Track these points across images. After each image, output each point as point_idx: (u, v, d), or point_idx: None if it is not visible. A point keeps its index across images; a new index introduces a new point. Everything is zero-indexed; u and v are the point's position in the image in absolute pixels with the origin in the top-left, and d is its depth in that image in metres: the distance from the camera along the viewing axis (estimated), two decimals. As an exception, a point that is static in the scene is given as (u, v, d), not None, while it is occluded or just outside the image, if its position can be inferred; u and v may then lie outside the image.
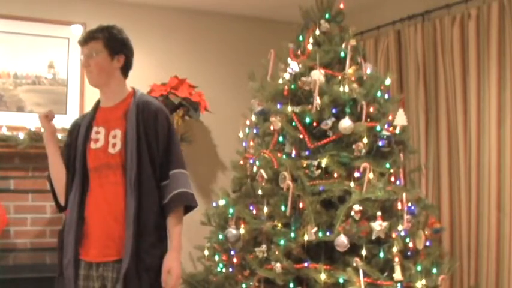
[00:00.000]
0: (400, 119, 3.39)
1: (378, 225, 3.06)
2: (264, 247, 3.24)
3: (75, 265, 2.61)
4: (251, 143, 3.67)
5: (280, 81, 3.51)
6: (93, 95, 3.16)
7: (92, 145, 2.69)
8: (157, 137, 2.67)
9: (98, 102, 2.81)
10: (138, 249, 2.56)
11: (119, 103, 2.73)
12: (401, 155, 3.44)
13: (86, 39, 2.69)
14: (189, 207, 2.73)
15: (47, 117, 2.80)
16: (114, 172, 2.63)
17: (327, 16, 3.60)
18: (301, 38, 3.64)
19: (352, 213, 3.09)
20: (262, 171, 3.34)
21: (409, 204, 3.27)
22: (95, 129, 2.71)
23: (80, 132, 2.73)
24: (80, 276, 2.62)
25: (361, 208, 3.08)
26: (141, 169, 2.61)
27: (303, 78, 3.37)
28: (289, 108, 3.38)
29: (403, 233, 3.14)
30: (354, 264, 3.05)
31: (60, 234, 2.74)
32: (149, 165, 2.63)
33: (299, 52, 3.59)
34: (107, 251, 2.60)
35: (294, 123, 3.37)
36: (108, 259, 2.60)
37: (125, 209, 2.58)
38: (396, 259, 3.08)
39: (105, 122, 2.71)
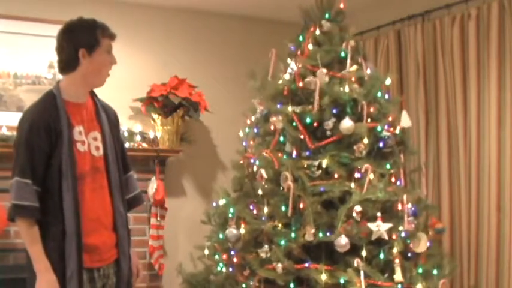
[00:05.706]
0: (405, 120, 3.39)
1: (375, 226, 3.06)
2: (266, 247, 3.24)
3: (79, 274, 2.49)
4: (251, 143, 3.67)
5: (281, 81, 3.51)
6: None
7: (80, 148, 2.54)
8: (120, 139, 2.79)
9: (55, 95, 2.56)
10: (129, 249, 2.73)
11: (86, 101, 2.64)
12: (402, 155, 3.44)
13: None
14: None
15: None
16: (101, 175, 2.61)
17: (327, 16, 3.60)
18: (301, 38, 3.64)
19: (354, 214, 3.09)
20: (262, 171, 3.34)
21: (410, 205, 3.27)
22: (77, 129, 2.55)
23: (64, 133, 2.50)
24: (84, 282, 2.52)
25: (361, 209, 3.08)
26: (120, 171, 2.69)
27: (307, 79, 3.37)
28: (290, 108, 3.38)
29: (403, 234, 3.14)
30: (355, 265, 3.05)
31: (57, 245, 2.48)
32: (120, 167, 2.72)
33: (299, 52, 3.59)
34: (107, 254, 2.63)
35: (294, 124, 3.37)
36: (108, 261, 2.63)
37: (115, 212, 2.63)
38: (397, 260, 3.08)
39: (82, 121, 2.59)
